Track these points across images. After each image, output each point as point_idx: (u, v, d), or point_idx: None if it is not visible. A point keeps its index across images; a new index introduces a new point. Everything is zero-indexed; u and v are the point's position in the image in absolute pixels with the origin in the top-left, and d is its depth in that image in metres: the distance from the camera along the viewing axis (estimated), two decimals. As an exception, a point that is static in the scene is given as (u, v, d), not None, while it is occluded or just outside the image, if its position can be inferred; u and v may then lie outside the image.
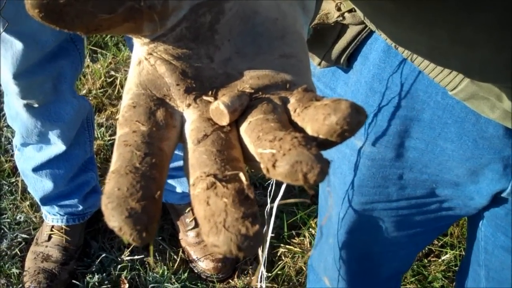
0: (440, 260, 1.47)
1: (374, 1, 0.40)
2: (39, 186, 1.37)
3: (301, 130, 0.25)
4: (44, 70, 1.13)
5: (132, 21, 0.26)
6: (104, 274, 1.39)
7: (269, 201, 0.68)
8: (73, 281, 1.37)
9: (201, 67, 0.28)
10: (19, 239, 1.45)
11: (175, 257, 1.45)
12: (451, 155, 0.59)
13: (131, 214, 0.22)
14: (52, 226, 1.43)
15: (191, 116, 0.27)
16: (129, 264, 1.42)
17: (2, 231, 1.46)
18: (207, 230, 0.22)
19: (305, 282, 1.36)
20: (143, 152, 0.24)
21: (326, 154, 0.23)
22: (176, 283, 1.38)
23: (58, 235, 1.41)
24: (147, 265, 1.43)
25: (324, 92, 0.66)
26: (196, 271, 1.44)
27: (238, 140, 0.26)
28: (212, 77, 0.28)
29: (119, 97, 1.82)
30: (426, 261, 1.47)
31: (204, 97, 0.28)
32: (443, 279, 1.43)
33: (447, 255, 1.46)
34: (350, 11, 0.55)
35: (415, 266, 1.45)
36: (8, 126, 1.61)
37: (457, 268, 1.42)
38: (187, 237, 1.46)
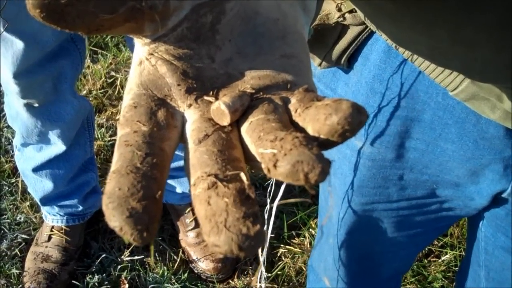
0: (440, 260, 1.47)
1: (374, 1, 0.40)
2: (39, 186, 1.37)
3: (302, 130, 0.25)
4: (45, 70, 1.13)
5: (133, 21, 0.26)
6: (104, 275, 1.39)
7: (268, 201, 0.68)
8: (73, 281, 1.37)
9: (202, 67, 0.28)
10: (19, 240, 1.45)
11: (175, 257, 1.45)
12: (452, 155, 0.59)
13: (132, 214, 0.22)
14: (52, 227, 1.43)
15: (192, 116, 0.27)
16: (129, 264, 1.42)
17: (2, 231, 1.46)
18: (208, 230, 0.22)
19: (305, 282, 1.36)
20: (144, 152, 0.24)
21: (327, 154, 0.23)
22: (176, 283, 1.38)
23: (58, 236, 1.41)
24: (147, 266, 1.43)
25: (325, 92, 0.66)
26: (196, 271, 1.44)
27: (239, 140, 0.26)
28: (213, 77, 0.28)
29: (119, 98, 1.82)
30: (426, 261, 1.47)
31: (205, 97, 0.28)
32: (443, 279, 1.43)
33: (447, 256, 1.46)
34: (350, 11, 0.55)
35: (415, 266, 1.45)
36: (8, 127, 1.61)
37: (457, 268, 1.42)
38: (187, 238, 1.46)
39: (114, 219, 0.22)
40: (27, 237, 1.46)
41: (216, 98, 0.28)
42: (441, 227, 0.76)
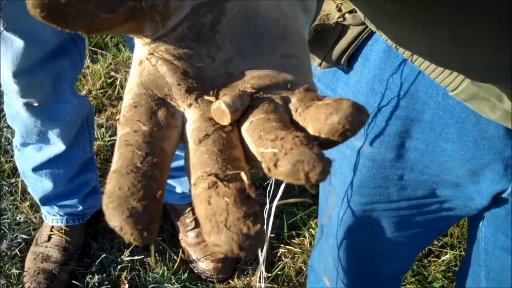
0: (440, 260, 1.47)
1: (374, 2, 0.40)
2: (39, 186, 1.37)
3: (302, 129, 0.25)
4: (44, 69, 1.13)
5: (133, 21, 0.26)
6: (104, 275, 1.39)
7: (268, 201, 0.68)
8: (73, 281, 1.37)
9: (202, 67, 0.28)
10: (19, 240, 1.45)
11: (175, 257, 1.45)
12: (452, 155, 0.59)
13: (132, 214, 0.22)
14: (52, 227, 1.43)
15: (192, 116, 0.27)
16: (129, 264, 1.42)
17: (2, 231, 1.46)
18: (208, 229, 0.22)
19: (305, 282, 1.36)
20: (144, 152, 0.24)
21: (327, 154, 0.23)
22: (176, 283, 1.38)
23: (58, 236, 1.41)
24: (147, 266, 1.43)
25: (325, 93, 0.66)
26: (196, 271, 1.44)
27: (240, 140, 0.26)
28: (214, 77, 0.28)
29: (119, 98, 1.82)
30: (426, 261, 1.47)
31: (206, 97, 0.28)
32: (443, 279, 1.43)
33: (447, 255, 1.46)
34: (350, 12, 0.55)
35: (415, 266, 1.45)
36: (8, 127, 1.61)
37: (457, 268, 1.43)
38: (187, 238, 1.46)
39: (115, 219, 0.22)
40: (27, 237, 1.46)
41: (217, 98, 0.28)
42: (441, 227, 0.76)
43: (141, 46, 0.28)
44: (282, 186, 0.29)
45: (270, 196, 0.70)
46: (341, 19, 0.56)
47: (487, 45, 0.37)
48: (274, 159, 0.23)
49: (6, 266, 1.39)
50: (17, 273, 1.38)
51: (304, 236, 1.50)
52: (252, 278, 1.41)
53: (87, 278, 1.37)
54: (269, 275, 1.40)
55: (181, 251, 1.46)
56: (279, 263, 1.44)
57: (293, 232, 1.51)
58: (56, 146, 1.30)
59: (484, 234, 0.72)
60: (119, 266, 1.40)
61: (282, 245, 1.48)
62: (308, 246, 1.48)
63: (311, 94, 0.27)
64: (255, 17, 0.28)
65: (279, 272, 1.42)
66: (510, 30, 0.34)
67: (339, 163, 0.68)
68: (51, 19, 0.24)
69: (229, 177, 0.23)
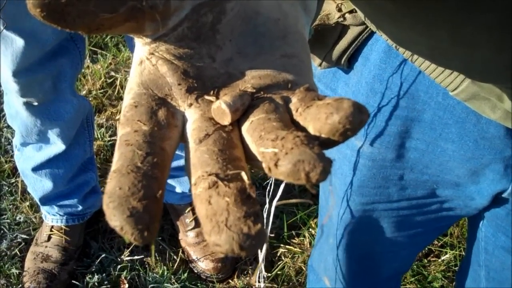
0: (440, 260, 1.47)
1: (374, 2, 0.40)
2: (39, 186, 1.37)
3: (303, 129, 0.25)
4: (44, 69, 1.13)
5: (133, 20, 0.26)
6: (104, 275, 1.39)
7: (267, 201, 0.69)
8: (72, 281, 1.37)
9: (202, 66, 0.28)
10: (18, 240, 1.45)
11: (175, 257, 1.45)
12: (452, 155, 0.59)
13: (132, 214, 0.22)
14: (52, 227, 1.43)
15: (192, 115, 0.27)
16: (129, 264, 1.42)
17: (2, 231, 1.46)
18: (209, 229, 0.22)
19: (305, 282, 1.36)
20: (144, 152, 0.24)
21: (327, 154, 0.23)
22: (176, 283, 1.38)
23: (58, 235, 1.41)
24: (146, 265, 1.43)
25: (325, 92, 0.66)
26: (196, 271, 1.44)
27: (240, 140, 0.26)
28: (214, 76, 0.28)
29: (119, 98, 1.82)
30: (426, 261, 1.47)
31: (206, 97, 0.28)
32: (443, 279, 1.43)
33: (447, 255, 1.46)
34: (351, 12, 0.55)
35: (415, 266, 1.45)
36: (8, 127, 1.61)
37: (457, 268, 1.43)
38: (187, 237, 1.46)
39: (115, 219, 0.22)
40: (27, 237, 1.46)
41: (217, 98, 0.28)
42: (441, 227, 0.76)
43: (142, 46, 0.28)
44: (282, 186, 0.29)
45: (270, 196, 0.70)
46: (341, 19, 0.56)
47: (487, 45, 0.37)
48: (274, 158, 0.23)
49: (6, 266, 1.39)
50: (17, 273, 1.38)
51: (304, 236, 1.50)
52: (251, 278, 1.41)
53: (87, 278, 1.37)
54: (269, 275, 1.40)
55: (181, 251, 1.46)
56: (279, 263, 1.44)
57: (293, 232, 1.51)
58: (56, 145, 1.30)
59: (484, 234, 0.72)
60: (119, 266, 1.40)
61: (282, 245, 1.48)
62: (308, 246, 1.48)
63: (312, 93, 0.27)
64: (256, 17, 0.28)
65: (279, 272, 1.42)
66: (510, 30, 0.34)
67: (339, 163, 0.68)
68: (51, 19, 0.24)
69: (230, 177, 0.23)
